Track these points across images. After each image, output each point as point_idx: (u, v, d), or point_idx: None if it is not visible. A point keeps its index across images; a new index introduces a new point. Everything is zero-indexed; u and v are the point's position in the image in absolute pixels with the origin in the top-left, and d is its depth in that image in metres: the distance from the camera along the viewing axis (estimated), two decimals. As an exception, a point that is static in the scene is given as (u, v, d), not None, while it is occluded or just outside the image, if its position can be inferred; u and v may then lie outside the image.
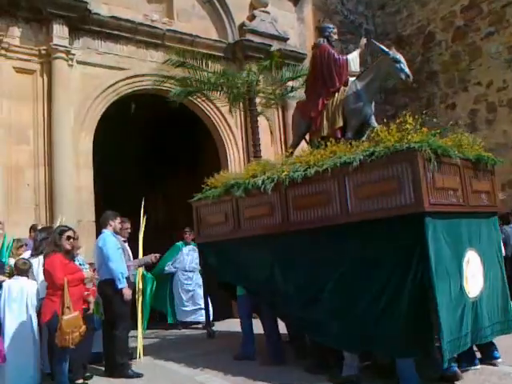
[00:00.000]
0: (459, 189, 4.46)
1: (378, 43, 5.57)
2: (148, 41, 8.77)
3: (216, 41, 9.53)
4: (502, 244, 5.54)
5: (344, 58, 5.79)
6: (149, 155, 12.18)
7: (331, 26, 6.14)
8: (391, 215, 4.15)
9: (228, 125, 9.44)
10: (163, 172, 11.94)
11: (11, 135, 7.28)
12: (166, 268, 8.09)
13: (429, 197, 4.03)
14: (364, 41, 6.00)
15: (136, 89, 8.61)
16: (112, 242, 5.15)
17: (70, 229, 4.81)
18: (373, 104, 5.62)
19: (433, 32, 11.45)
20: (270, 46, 9.93)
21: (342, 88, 5.71)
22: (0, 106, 7.25)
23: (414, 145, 4.10)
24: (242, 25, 9.93)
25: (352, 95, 5.49)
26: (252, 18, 10.19)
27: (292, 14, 11.20)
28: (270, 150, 9.35)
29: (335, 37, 6.05)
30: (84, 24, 8.02)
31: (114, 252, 5.06)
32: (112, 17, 8.29)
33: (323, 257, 4.64)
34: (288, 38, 10.53)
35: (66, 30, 7.73)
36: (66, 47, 7.67)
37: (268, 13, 10.40)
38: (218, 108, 9.15)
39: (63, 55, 7.65)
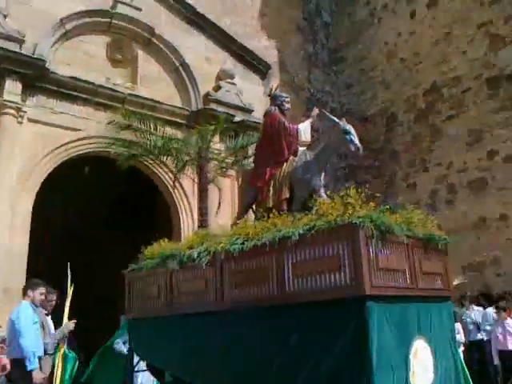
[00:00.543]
0: (407, 270, 4.14)
1: (328, 114, 5.45)
2: (108, 103, 8.60)
3: (179, 108, 9.45)
4: (458, 330, 5.20)
5: (295, 127, 5.64)
6: (105, 219, 11.69)
7: (284, 94, 6.04)
8: (329, 298, 3.78)
9: (183, 190, 9.13)
10: (118, 239, 11.40)
11: None
12: (116, 346, 6.36)
13: (371, 278, 3.68)
14: (316, 111, 5.89)
15: (86, 151, 8.31)
16: (27, 314, 4.58)
17: None
18: (322, 175, 5.42)
19: (395, 113, 11.70)
20: (233, 116, 9.89)
21: (292, 158, 5.51)
22: None
23: (355, 220, 3.81)
24: (207, 94, 9.93)
25: (300, 166, 5.29)
26: (217, 88, 10.23)
27: (259, 87, 11.33)
28: (224, 218, 9.02)
29: (288, 106, 5.94)
30: (41, 82, 7.83)
31: (28, 327, 4.48)
32: (71, 77, 8.16)
33: (258, 342, 4.18)
34: (253, 110, 10.53)
35: (19, 86, 7.52)
36: (16, 103, 7.42)
37: (234, 84, 10.48)
38: (172, 172, 8.87)
39: (12, 111, 7.39)
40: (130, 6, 9.27)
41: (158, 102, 9.15)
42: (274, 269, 4.20)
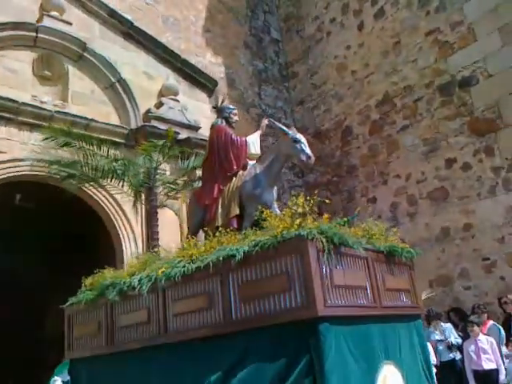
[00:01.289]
0: (368, 286, 3.50)
1: (277, 123, 4.89)
2: (33, 122, 7.76)
3: (116, 126, 8.69)
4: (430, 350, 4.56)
5: (243, 139, 5.05)
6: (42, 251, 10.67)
7: (231, 106, 5.51)
8: (279, 322, 3.09)
9: (126, 216, 8.31)
10: (59, 274, 10.39)
11: None
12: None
13: (324, 297, 3.03)
14: (265, 121, 5.34)
15: (12, 175, 7.41)
16: None
17: None
18: (275, 189, 4.82)
19: (350, 126, 11.29)
20: (178, 133, 9.19)
21: (241, 172, 4.92)
22: None
23: (303, 232, 3.17)
24: (148, 111, 9.23)
25: (250, 180, 4.72)
26: (160, 105, 9.55)
27: (206, 104, 10.71)
28: (176, 242, 8.25)
29: (235, 118, 5.38)
30: (-49, 101, 6.96)
31: None
32: (-11, 95, 7.31)
33: (204, 377, 3.50)
34: (199, 127, 9.88)
35: None
36: None
37: (177, 101, 9.82)
38: (112, 196, 8.06)
39: None
40: (58, 19, 8.56)
41: (92, 119, 8.37)
42: (218, 293, 3.51)
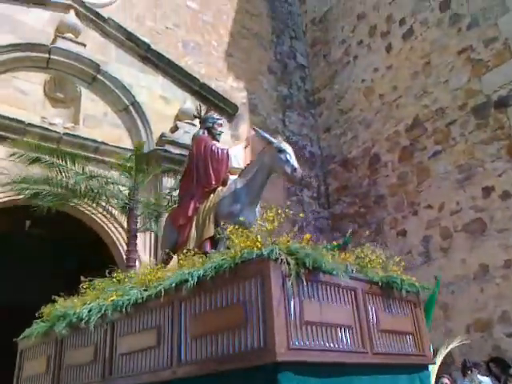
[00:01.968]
0: (355, 325, 2.79)
1: (262, 132, 4.33)
2: (89, 156, 7.59)
3: (126, 149, 8.33)
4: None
5: (224, 150, 4.52)
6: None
7: (216, 115, 4.99)
8: (230, 368, 2.43)
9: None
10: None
11: None
12: None
13: (288, 337, 2.35)
14: (252, 132, 4.79)
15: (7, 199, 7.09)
16: None
17: None
18: (257, 207, 4.22)
19: (378, 153, 10.58)
20: (191, 158, 8.77)
21: (220, 188, 4.36)
22: None
23: (265, 251, 2.54)
24: (162, 135, 8.89)
25: (228, 196, 4.15)
26: (175, 129, 9.21)
27: (226, 130, 10.27)
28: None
29: (220, 129, 4.86)
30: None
31: None
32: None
33: None
34: (216, 153, 9.44)
35: None
36: None
37: (194, 125, 9.43)
38: (108, 211, 7.53)
39: None
40: (72, 41, 8.43)
41: (102, 142, 8.07)
42: (168, 328, 2.88)
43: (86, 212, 7.49)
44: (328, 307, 2.67)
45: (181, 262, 3.37)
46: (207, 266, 2.76)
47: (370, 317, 2.97)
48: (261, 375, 2.32)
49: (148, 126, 8.81)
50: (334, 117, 11.89)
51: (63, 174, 6.26)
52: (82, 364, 3.51)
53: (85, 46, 8.59)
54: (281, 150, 3.97)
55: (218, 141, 4.88)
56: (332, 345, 2.60)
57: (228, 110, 10.40)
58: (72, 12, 8.73)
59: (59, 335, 3.76)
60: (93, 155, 7.88)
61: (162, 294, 2.91)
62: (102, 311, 3.36)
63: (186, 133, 9.24)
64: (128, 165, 6.59)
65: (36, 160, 6.21)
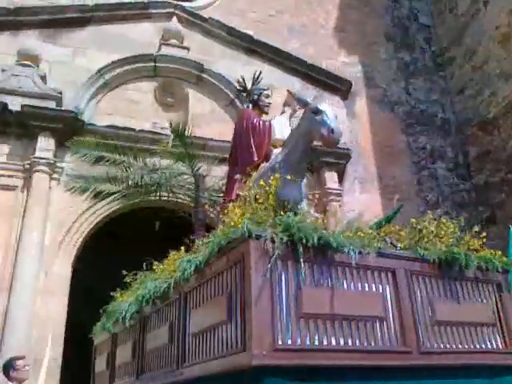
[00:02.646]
0: (388, 317, 2.25)
1: (298, 93, 3.87)
2: (151, 148, 7.92)
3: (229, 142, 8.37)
4: None
5: (266, 123, 4.15)
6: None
7: (262, 87, 4.64)
8: (216, 371, 2.13)
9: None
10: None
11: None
12: None
13: (274, 334, 1.96)
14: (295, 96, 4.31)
15: (132, 202, 7.59)
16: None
17: None
18: (303, 183, 3.76)
19: (523, 108, 8.99)
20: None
21: (263, 164, 4.01)
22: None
23: (252, 227, 2.17)
24: (270, 125, 8.73)
25: (265, 173, 3.79)
26: (281, 115, 8.97)
27: (339, 109, 9.75)
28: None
29: (268, 100, 4.52)
30: (77, 135, 7.48)
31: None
32: (109, 126, 7.71)
33: None
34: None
35: (51, 142, 7.26)
36: (47, 159, 7.12)
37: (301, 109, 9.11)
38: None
39: (45, 168, 7.09)
40: (175, 46, 8.77)
41: (210, 139, 8.21)
42: (177, 323, 2.69)
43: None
44: (343, 295, 2.18)
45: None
46: (206, 252, 2.49)
47: (419, 305, 2.38)
48: (244, 381, 1.97)
49: (255, 117, 8.73)
50: (467, 75, 10.45)
51: (127, 171, 6.37)
52: (121, 366, 3.51)
53: (188, 49, 8.87)
54: (316, 111, 3.48)
55: (267, 113, 4.56)
56: (349, 342, 2.11)
57: (341, 87, 9.84)
58: (174, 19, 9.09)
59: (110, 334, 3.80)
60: (202, 152, 8.03)
61: (171, 287, 2.71)
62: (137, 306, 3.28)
63: (296, 118, 8.97)
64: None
65: (99, 159, 6.45)
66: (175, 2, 9.32)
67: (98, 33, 8.54)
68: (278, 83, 9.35)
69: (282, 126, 4.22)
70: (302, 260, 2.16)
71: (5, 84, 7.36)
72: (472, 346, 2.53)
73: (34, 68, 7.67)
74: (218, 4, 9.96)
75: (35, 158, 7.07)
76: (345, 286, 2.26)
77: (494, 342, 2.64)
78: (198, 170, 6.58)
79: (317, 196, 8.37)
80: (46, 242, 6.85)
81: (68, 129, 7.39)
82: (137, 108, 8.28)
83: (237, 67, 9.18)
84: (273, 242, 2.15)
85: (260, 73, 4.87)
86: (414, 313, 2.35)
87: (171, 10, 9.16)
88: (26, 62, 7.66)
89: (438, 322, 2.43)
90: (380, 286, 2.36)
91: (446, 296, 2.55)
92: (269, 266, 2.08)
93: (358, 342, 2.16)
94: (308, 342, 2.05)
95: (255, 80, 4.72)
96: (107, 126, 7.69)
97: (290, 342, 2.01)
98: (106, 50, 8.38)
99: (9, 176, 7.11)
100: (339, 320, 2.15)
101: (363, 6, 11.18)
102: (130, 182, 6.25)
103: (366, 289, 2.32)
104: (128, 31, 8.74)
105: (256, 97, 4.51)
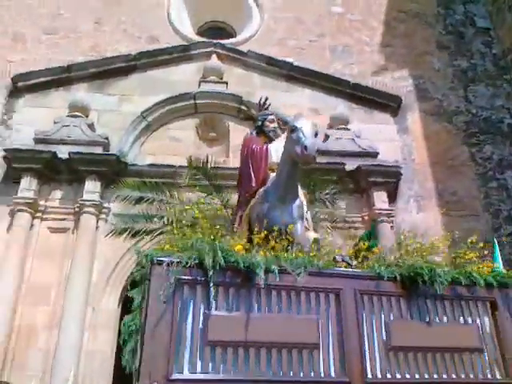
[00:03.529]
0: (323, 344, 2.09)
1: (281, 114, 3.76)
2: (191, 183, 8.09)
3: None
4: None
5: (264, 147, 4.04)
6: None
7: (267, 112, 4.55)
8: None
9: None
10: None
11: (32, 295, 7.04)
12: None
13: (168, 365, 1.86)
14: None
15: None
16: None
17: None
18: (296, 202, 3.56)
19: None
20: (343, 164, 8.17)
21: (260, 190, 3.89)
22: (30, 266, 7.22)
23: (155, 252, 2.10)
24: (312, 148, 8.55)
25: (259, 197, 3.69)
26: (326, 138, 8.77)
27: (389, 125, 9.33)
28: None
29: (272, 126, 4.43)
30: (121, 176, 7.85)
31: None
32: (150, 165, 8.02)
33: None
34: (377, 153, 8.59)
35: (97, 184, 7.68)
36: (94, 201, 7.53)
37: (347, 129, 8.84)
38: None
39: (92, 209, 7.50)
40: (214, 82, 9.01)
41: (249, 168, 8.20)
42: None
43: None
44: (269, 319, 1.97)
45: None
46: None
47: (368, 329, 2.08)
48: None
49: (295, 142, 8.60)
50: (534, 75, 9.54)
51: (166, 208, 6.43)
52: None
53: (226, 83, 9.06)
54: (293, 130, 3.34)
55: (272, 139, 4.43)
56: (269, 373, 1.89)
57: (390, 103, 9.44)
58: (214, 56, 9.38)
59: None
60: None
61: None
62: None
63: (338, 139, 8.72)
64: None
65: (140, 199, 6.59)
66: (215, 41, 9.63)
67: (141, 78, 9.04)
68: (321, 107, 9.28)
69: (278, 150, 4.11)
70: (211, 284, 2.02)
71: (56, 135, 7.98)
72: (445, 376, 2.15)
73: (83, 117, 8.26)
74: (258, 36, 10.14)
75: (83, 200, 7.50)
76: (265, 310, 2.06)
77: (484, 371, 2.23)
78: (227, 201, 6.60)
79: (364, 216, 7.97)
80: (93, 278, 7.15)
81: (112, 171, 7.79)
82: (179, 145, 8.54)
83: (277, 95, 9.19)
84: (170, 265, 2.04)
85: (266, 98, 4.85)
86: (360, 337, 2.06)
87: (211, 48, 9.45)
88: (75, 113, 8.28)
89: (395, 348, 2.10)
90: (319, 308, 2.11)
91: (412, 318, 2.22)
92: (161, 292, 1.97)
93: (280, 372, 1.93)
94: (212, 372, 1.87)
95: (261, 106, 4.68)
96: (149, 165, 7.99)
97: (188, 371, 1.85)
98: (149, 93, 8.81)
99: (61, 219, 7.61)
100: (256, 348, 1.95)
101: (411, 18, 10.76)
102: (166, 219, 6.35)
103: (298, 312, 2.09)
104: (170, 74, 9.15)
105: (260, 123, 4.46)
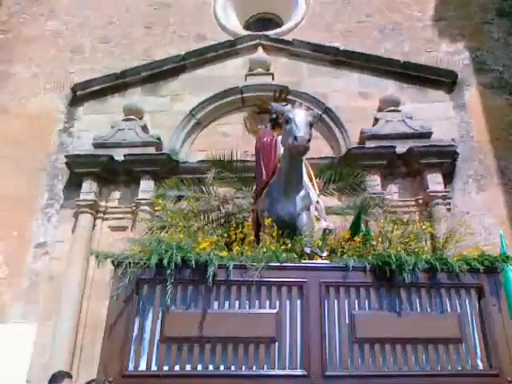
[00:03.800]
0: (280, 338, 2.16)
1: (279, 105, 3.72)
2: (241, 176, 8.23)
3: (320, 158, 8.19)
4: None
5: (273, 139, 4.05)
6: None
7: (283, 104, 4.51)
8: None
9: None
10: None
11: (97, 291, 7.57)
12: None
13: (124, 361, 2.07)
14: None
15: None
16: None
17: None
18: (300, 194, 3.55)
19: None
20: (393, 147, 7.94)
21: (270, 182, 3.93)
22: (94, 263, 7.75)
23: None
24: (361, 133, 8.39)
25: (265, 191, 3.75)
26: (375, 122, 8.56)
27: (443, 103, 8.90)
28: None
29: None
30: (173, 174, 8.16)
31: None
32: (199, 161, 8.24)
33: None
34: (430, 133, 8.24)
35: (151, 183, 8.06)
36: (148, 200, 7.90)
37: (398, 111, 8.55)
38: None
39: (146, 208, 7.87)
40: (261, 74, 9.07)
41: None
42: None
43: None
44: (223, 316, 2.06)
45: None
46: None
47: (332, 321, 2.11)
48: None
49: (343, 129, 8.48)
50: None
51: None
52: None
53: (272, 74, 9.09)
54: (287, 121, 3.36)
55: None
56: (222, 367, 1.98)
57: (444, 79, 8.99)
58: (259, 49, 9.44)
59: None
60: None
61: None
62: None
63: (388, 122, 8.46)
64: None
65: (179, 198, 6.72)
66: (260, 33, 9.67)
67: (191, 78, 9.31)
68: (371, 90, 9.05)
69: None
70: (168, 283, 2.14)
71: (113, 139, 8.46)
72: (417, 368, 2.11)
73: (136, 120, 8.67)
74: (304, 23, 10.04)
75: (138, 199, 7.92)
76: (224, 306, 2.13)
77: (462, 362, 2.16)
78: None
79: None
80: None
81: (165, 170, 8.12)
82: (227, 140, 8.68)
83: (326, 82, 9.13)
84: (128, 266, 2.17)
85: (281, 91, 4.85)
86: (322, 330, 2.08)
87: (256, 41, 9.51)
88: (130, 117, 8.72)
89: (360, 340, 2.10)
90: (280, 302, 2.16)
91: (382, 309, 2.19)
92: (117, 291, 2.11)
93: (234, 366, 2.01)
94: (167, 368, 1.99)
95: (277, 98, 4.70)
96: (198, 162, 8.23)
97: (144, 367, 1.98)
98: (199, 91, 9.05)
99: (120, 218, 8.08)
100: (211, 343, 2.04)
101: (467, -14, 10.11)
102: (203, 216, 6.47)
103: (258, 307, 2.15)
104: (217, 70, 9.33)
105: (275, 115, 4.46)
